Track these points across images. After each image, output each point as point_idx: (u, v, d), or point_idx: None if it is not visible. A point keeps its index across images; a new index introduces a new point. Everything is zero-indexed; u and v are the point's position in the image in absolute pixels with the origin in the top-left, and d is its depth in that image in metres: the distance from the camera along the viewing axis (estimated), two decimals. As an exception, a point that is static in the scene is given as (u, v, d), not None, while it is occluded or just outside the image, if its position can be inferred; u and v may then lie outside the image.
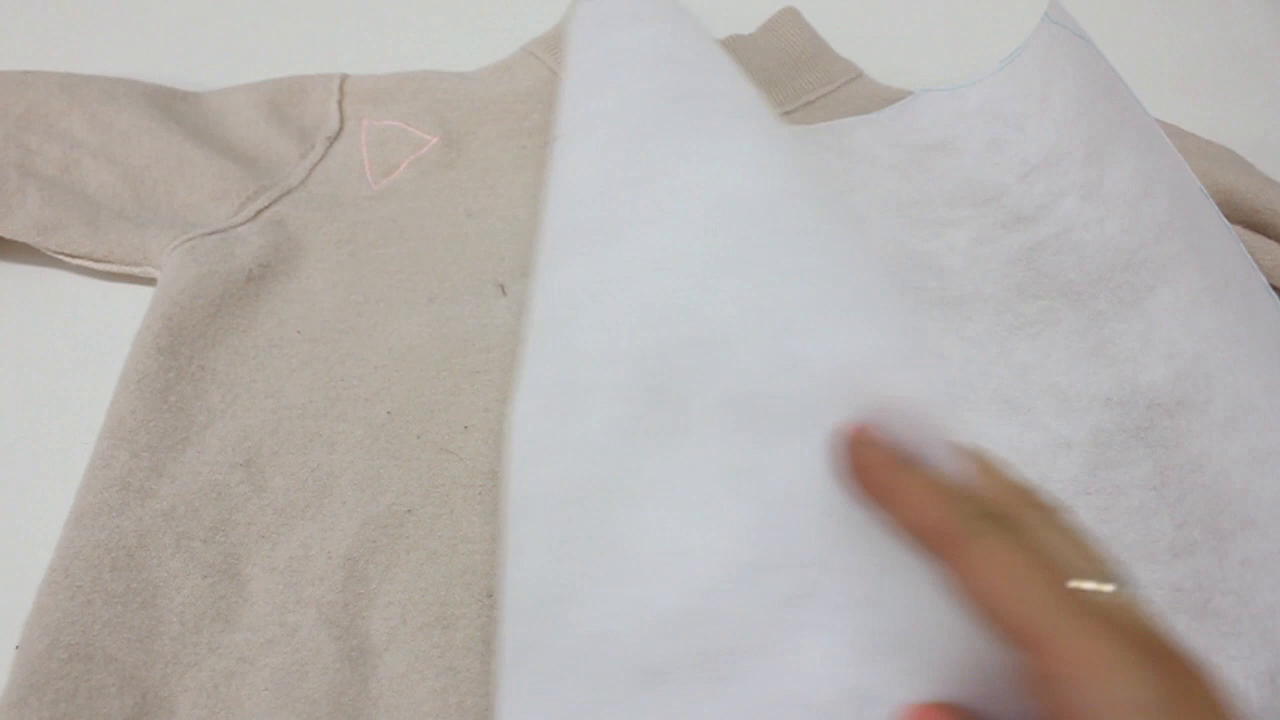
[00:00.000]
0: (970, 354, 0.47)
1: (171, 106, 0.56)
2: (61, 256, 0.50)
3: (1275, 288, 0.50)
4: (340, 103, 0.57)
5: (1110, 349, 0.46)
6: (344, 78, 0.59)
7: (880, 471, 0.28)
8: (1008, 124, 0.56)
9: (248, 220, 0.51)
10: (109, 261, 0.49)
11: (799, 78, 0.62)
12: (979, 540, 0.25)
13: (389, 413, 0.45)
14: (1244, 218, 0.52)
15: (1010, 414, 0.45)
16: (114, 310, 0.49)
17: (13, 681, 0.35)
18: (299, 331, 0.47)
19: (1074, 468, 0.43)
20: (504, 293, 0.49)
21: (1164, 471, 0.42)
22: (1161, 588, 0.39)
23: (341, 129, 0.56)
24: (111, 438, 0.42)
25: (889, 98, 0.61)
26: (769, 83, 0.61)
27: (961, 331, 0.48)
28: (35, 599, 0.37)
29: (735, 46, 0.63)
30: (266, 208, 0.52)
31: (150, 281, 0.49)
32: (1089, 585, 0.25)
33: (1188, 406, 0.43)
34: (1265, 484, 0.39)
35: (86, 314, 0.49)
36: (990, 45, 0.61)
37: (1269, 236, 0.51)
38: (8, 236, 0.49)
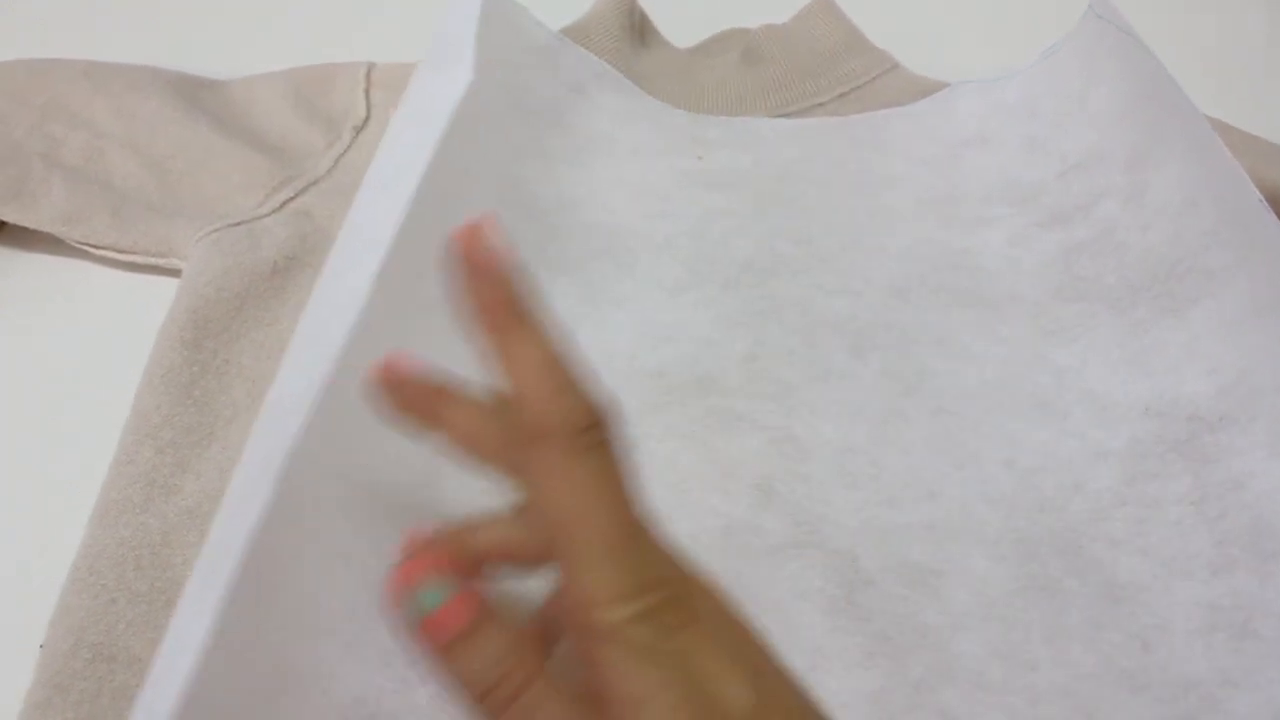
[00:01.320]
0: (1005, 356, 0.47)
1: (196, 95, 0.56)
2: (85, 248, 0.50)
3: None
4: (367, 91, 0.57)
5: (1150, 359, 0.45)
6: (371, 66, 0.58)
7: (420, 400, 0.30)
8: (1045, 121, 0.55)
9: (273, 211, 0.51)
10: (133, 253, 0.49)
11: (833, 69, 0.61)
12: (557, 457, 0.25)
13: None
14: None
15: (1045, 419, 0.44)
16: (139, 303, 0.49)
17: (36, 681, 0.35)
18: (324, 326, 0.47)
19: (1110, 477, 0.42)
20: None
21: (1204, 487, 0.41)
22: (1199, 605, 0.38)
23: (368, 118, 0.56)
24: (135, 434, 0.42)
25: (925, 90, 0.60)
26: (802, 73, 0.60)
27: (996, 333, 0.47)
28: (59, 598, 0.37)
29: (769, 37, 0.62)
30: (292, 199, 0.52)
31: (175, 272, 0.49)
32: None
33: (1231, 423, 0.42)
34: (1311, 506, 0.38)
35: (111, 306, 0.49)
36: (1032, 36, 0.59)
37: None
38: (32, 227, 0.49)
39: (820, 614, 0.38)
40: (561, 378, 0.26)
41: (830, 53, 0.61)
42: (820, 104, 0.60)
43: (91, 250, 0.50)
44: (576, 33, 0.59)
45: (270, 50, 0.60)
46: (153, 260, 0.49)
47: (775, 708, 0.25)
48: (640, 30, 0.62)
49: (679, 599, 0.25)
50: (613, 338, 0.45)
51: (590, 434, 0.25)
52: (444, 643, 0.26)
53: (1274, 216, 0.43)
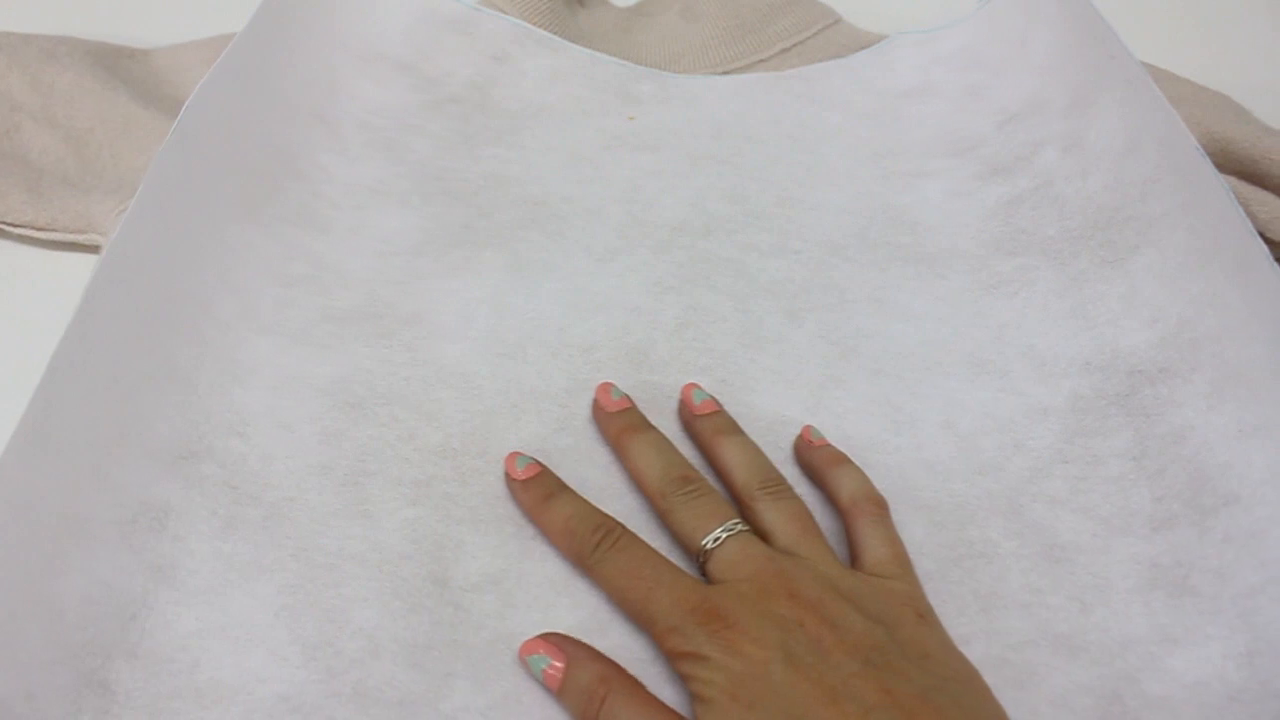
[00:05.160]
0: (944, 313, 0.44)
1: (118, 65, 0.52)
2: (1, 226, 0.46)
3: (1272, 241, 0.47)
4: (295, 58, 0.54)
5: (1090, 311, 0.43)
6: (299, 32, 0.55)
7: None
8: (986, 69, 0.52)
9: (199, 184, 0.48)
10: (52, 230, 0.46)
11: (774, 23, 0.57)
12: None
13: None
14: (1240, 168, 0.48)
15: (985, 377, 0.42)
16: (57, 282, 0.46)
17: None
18: (248, 301, 0.44)
19: (1051, 435, 0.40)
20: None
21: (1144, 442, 0.39)
22: (1138, 562, 0.36)
23: (297, 86, 0.53)
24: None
25: (868, 43, 0.56)
26: (742, 29, 0.57)
27: (935, 290, 0.45)
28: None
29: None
30: (218, 170, 0.49)
31: (95, 249, 0.46)
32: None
33: (1171, 375, 0.39)
34: (1251, 459, 0.35)
35: (28, 287, 0.46)
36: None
37: (1265, 187, 0.47)
38: (-56, 206, 0.46)
39: None
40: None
41: (770, 8, 0.58)
42: (762, 60, 0.57)
43: (8, 229, 0.46)
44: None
45: (197, 18, 0.56)
46: (72, 237, 0.46)
47: None
48: (578, -11, 0.58)
49: None
50: (542, 308, 0.43)
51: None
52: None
53: (1211, 165, 0.41)
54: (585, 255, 0.45)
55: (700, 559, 0.33)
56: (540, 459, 0.37)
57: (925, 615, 0.32)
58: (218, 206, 0.41)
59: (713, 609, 0.31)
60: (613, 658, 0.32)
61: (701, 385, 0.40)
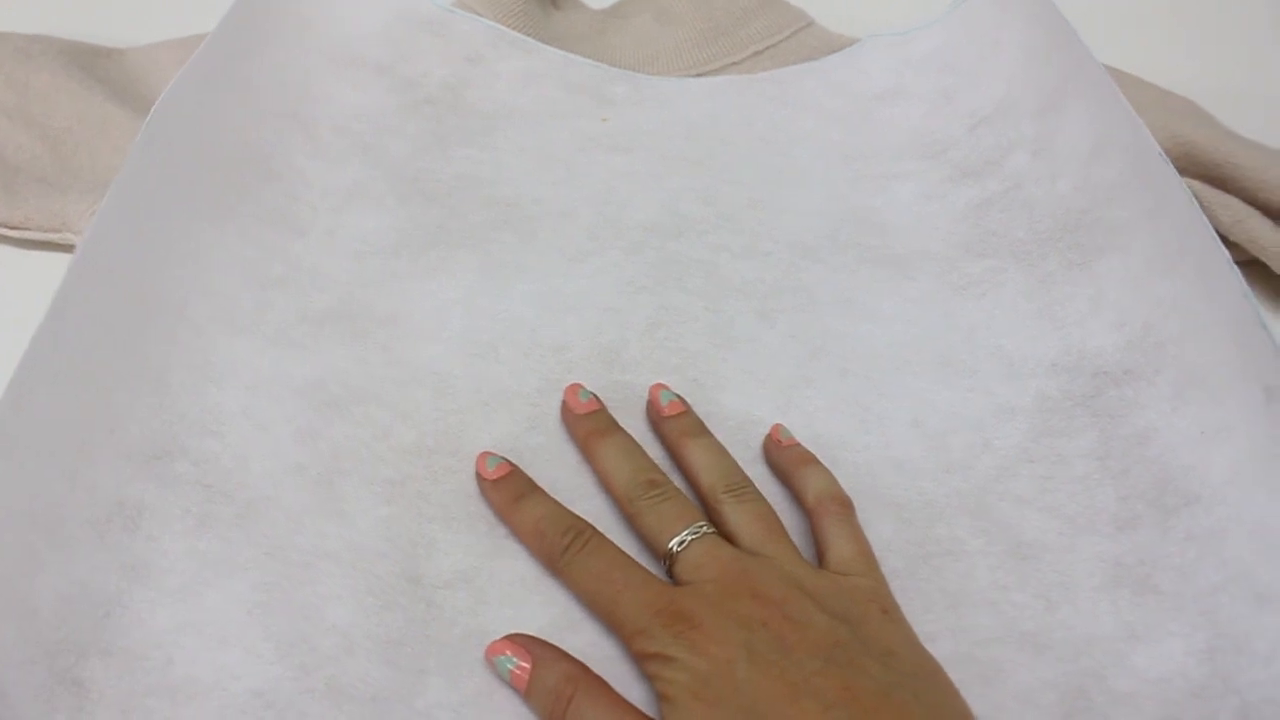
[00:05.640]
0: (914, 315, 0.44)
1: (93, 64, 0.52)
2: (-25, 225, 0.46)
3: (1234, 244, 0.47)
4: (272, 59, 0.53)
5: (1058, 312, 0.43)
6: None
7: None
8: (958, 73, 0.52)
9: (175, 183, 0.48)
10: (26, 229, 0.45)
11: (747, 26, 0.58)
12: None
13: None
14: (1203, 171, 0.48)
15: (954, 377, 0.42)
16: (31, 281, 0.45)
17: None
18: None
19: (1018, 434, 0.40)
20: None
21: (1109, 442, 0.39)
22: (1103, 561, 0.36)
23: (273, 86, 0.52)
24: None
25: (840, 47, 0.56)
26: (715, 32, 0.57)
27: (905, 292, 0.45)
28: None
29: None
30: (194, 169, 0.48)
31: (70, 249, 0.46)
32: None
33: (1136, 377, 0.40)
34: (1212, 460, 0.36)
35: (1, 286, 0.46)
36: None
37: (1228, 191, 0.48)
38: (-84, 205, 0.45)
39: None
40: None
41: (743, 10, 0.58)
42: (734, 63, 0.57)
43: (-18, 227, 0.46)
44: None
45: (172, 17, 0.56)
46: (47, 236, 0.46)
47: None
48: (553, -8, 0.58)
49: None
50: (515, 308, 0.43)
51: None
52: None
53: (1174, 170, 0.41)
54: (558, 256, 0.45)
55: (667, 561, 0.34)
56: (512, 458, 0.37)
57: (890, 612, 0.32)
58: (191, 207, 0.41)
59: (678, 610, 0.31)
60: (584, 656, 0.32)
61: (669, 386, 0.40)
